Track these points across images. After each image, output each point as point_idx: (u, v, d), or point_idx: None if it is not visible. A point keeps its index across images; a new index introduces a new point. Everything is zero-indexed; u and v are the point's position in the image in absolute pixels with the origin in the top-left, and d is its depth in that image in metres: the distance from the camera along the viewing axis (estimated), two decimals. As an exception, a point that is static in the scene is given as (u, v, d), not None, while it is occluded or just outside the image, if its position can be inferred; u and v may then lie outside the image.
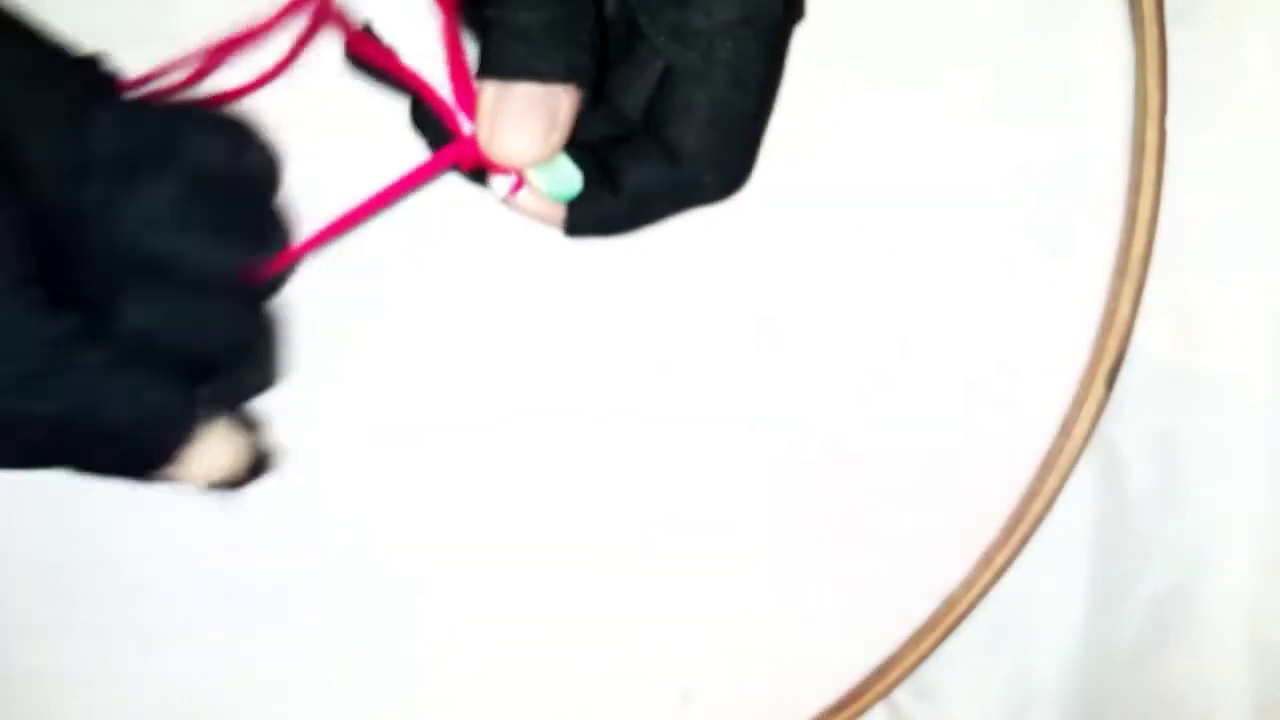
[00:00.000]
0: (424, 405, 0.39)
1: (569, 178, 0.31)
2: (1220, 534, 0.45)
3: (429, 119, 0.32)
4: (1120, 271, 0.39)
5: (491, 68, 0.30)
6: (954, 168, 0.39)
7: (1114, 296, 0.39)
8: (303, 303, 0.39)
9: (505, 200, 0.32)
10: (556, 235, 0.39)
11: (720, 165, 0.32)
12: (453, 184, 0.35)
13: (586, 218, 0.32)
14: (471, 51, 0.31)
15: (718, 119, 0.31)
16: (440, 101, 0.31)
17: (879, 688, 0.40)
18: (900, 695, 0.45)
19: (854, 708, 0.40)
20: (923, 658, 0.40)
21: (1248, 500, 0.45)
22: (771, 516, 0.40)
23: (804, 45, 0.39)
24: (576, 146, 0.31)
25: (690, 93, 0.31)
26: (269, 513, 0.39)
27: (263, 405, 0.39)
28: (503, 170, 0.31)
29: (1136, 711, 0.47)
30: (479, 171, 0.32)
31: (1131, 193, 0.39)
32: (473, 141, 0.30)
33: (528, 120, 0.29)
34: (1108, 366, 0.39)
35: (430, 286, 0.39)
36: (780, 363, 0.40)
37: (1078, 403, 0.40)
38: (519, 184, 0.31)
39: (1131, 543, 0.46)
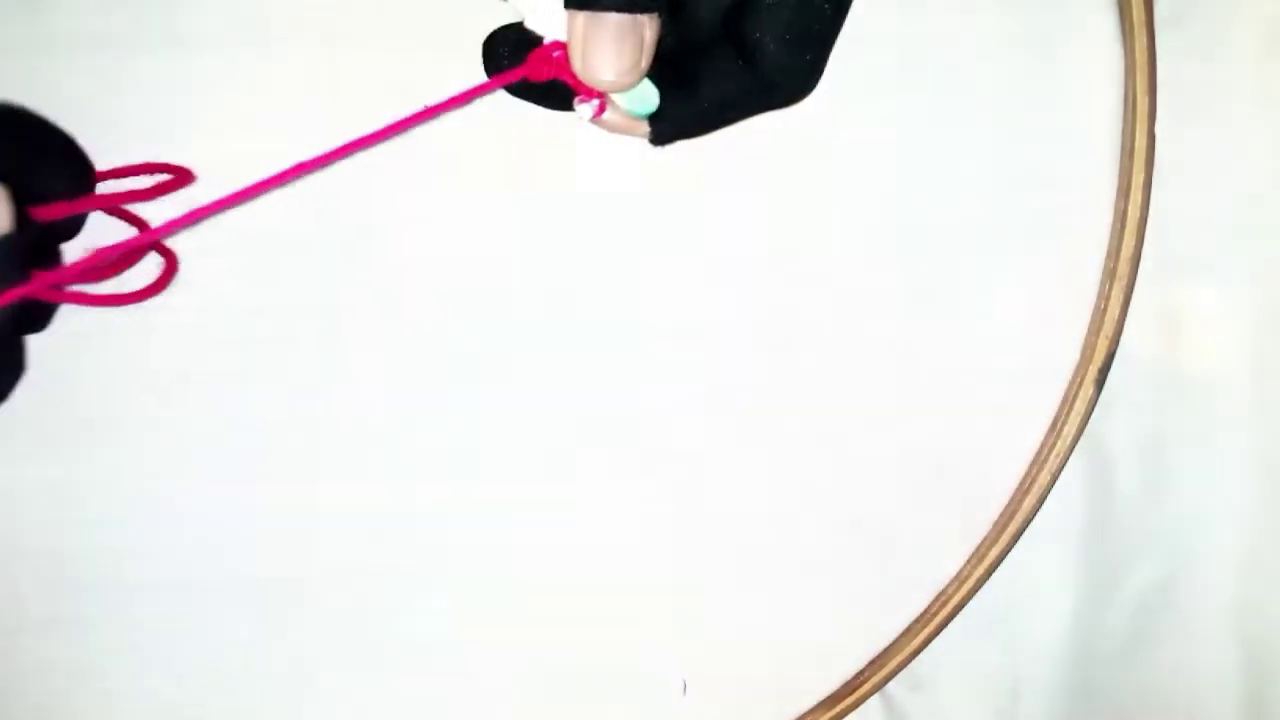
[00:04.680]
0: (424, 406, 0.40)
1: (648, 95, 0.32)
2: (1205, 530, 0.46)
3: (508, 45, 0.33)
4: (1109, 274, 0.40)
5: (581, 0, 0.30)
6: (946, 172, 0.40)
7: (1103, 298, 0.40)
8: (305, 306, 0.40)
9: (592, 121, 0.33)
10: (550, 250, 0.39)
11: (797, 68, 0.33)
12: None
13: (669, 127, 0.33)
14: None
15: (800, 22, 0.32)
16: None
17: (874, 680, 0.41)
18: (894, 687, 0.45)
19: (849, 700, 0.41)
20: (917, 651, 0.41)
21: (1232, 497, 0.46)
22: (768, 511, 0.41)
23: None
24: (656, 57, 0.32)
25: None
26: (278, 506, 0.40)
27: (267, 406, 0.40)
28: (589, 94, 0.32)
29: (1124, 702, 0.47)
30: (561, 97, 0.33)
31: (1120, 196, 0.40)
32: (556, 62, 0.31)
33: (617, 49, 0.30)
34: (1097, 367, 0.40)
35: (430, 291, 0.40)
36: (778, 361, 0.40)
37: (1068, 402, 0.40)
38: (602, 106, 0.32)
39: (1119, 538, 0.46)
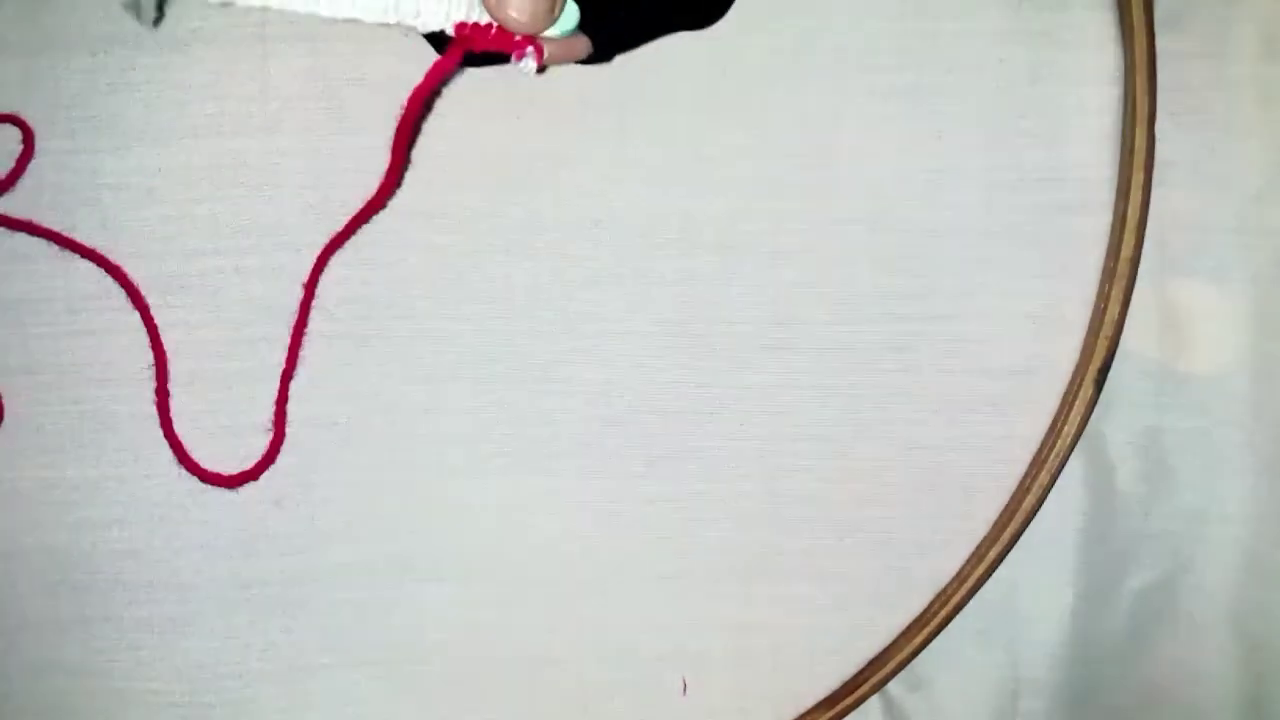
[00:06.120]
0: (422, 407, 0.40)
1: (569, 13, 0.32)
2: (1205, 529, 0.46)
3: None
4: (1109, 274, 0.40)
5: None
6: (946, 171, 0.40)
7: (1103, 298, 0.40)
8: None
9: (539, 70, 0.32)
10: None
11: None
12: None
13: (609, 42, 0.34)
14: None
15: None
16: None
17: (874, 680, 0.41)
18: (894, 687, 0.45)
19: (849, 699, 0.41)
20: (916, 650, 0.41)
21: (1232, 497, 0.46)
22: (768, 511, 0.41)
23: (805, 55, 0.39)
24: None
25: None
26: (278, 507, 0.40)
27: (267, 407, 0.40)
28: (521, 47, 0.32)
29: (1123, 701, 0.47)
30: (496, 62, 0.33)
31: (1120, 197, 0.40)
32: (481, 28, 0.31)
33: None
34: (1097, 367, 0.40)
35: (429, 291, 0.40)
36: (778, 361, 0.40)
37: (1067, 402, 0.40)
38: (540, 52, 0.32)
39: (1119, 538, 0.46)
